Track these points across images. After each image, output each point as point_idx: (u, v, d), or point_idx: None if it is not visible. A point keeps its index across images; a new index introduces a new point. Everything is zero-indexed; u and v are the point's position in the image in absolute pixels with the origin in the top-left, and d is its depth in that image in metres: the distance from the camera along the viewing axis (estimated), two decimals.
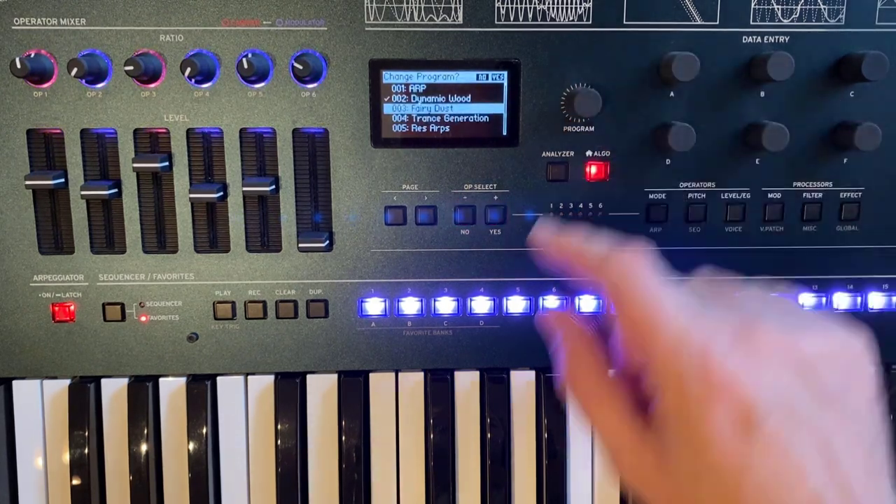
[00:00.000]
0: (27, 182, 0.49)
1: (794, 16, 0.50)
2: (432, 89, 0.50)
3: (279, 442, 0.55)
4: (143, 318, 0.53)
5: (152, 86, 0.49)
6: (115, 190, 0.51)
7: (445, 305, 0.54)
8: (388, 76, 0.50)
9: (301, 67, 0.48)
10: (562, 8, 0.49)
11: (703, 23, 0.50)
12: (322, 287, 0.53)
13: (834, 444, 0.34)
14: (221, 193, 0.51)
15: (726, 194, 0.52)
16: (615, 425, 0.40)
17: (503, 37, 0.49)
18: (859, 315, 0.55)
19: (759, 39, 0.50)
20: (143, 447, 0.54)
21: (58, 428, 0.55)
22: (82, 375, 0.55)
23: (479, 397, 0.56)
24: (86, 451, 0.54)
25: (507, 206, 0.52)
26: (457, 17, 0.49)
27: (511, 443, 0.56)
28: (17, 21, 0.48)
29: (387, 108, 0.50)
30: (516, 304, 0.54)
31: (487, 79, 0.50)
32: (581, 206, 0.52)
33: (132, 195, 0.51)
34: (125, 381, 0.55)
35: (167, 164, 0.50)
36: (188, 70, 0.47)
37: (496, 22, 0.49)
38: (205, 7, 0.48)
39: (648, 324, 0.36)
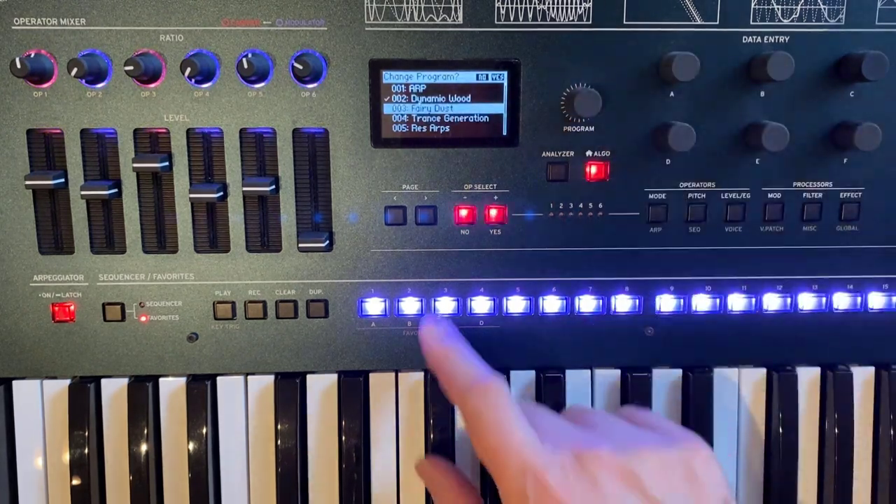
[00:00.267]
0: (27, 182, 0.49)
1: (794, 16, 0.50)
2: (432, 89, 0.50)
3: (279, 442, 0.55)
4: (143, 318, 0.53)
5: (152, 86, 0.49)
6: (115, 190, 0.51)
7: (446, 306, 0.54)
8: (388, 76, 0.50)
9: (301, 67, 0.48)
10: (562, 8, 0.49)
11: (703, 23, 0.50)
12: (322, 287, 0.53)
13: None
14: (221, 193, 0.51)
15: (726, 194, 0.52)
16: None
17: (503, 37, 0.50)
18: (859, 315, 0.55)
19: (759, 39, 0.50)
20: (143, 447, 0.54)
21: (58, 428, 0.55)
22: (82, 375, 0.55)
23: None
24: (86, 451, 0.54)
25: (507, 206, 0.52)
26: (457, 17, 0.49)
27: None
28: (17, 21, 0.48)
29: (387, 108, 0.50)
30: (516, 304, 0.54)
31: (487, 79, 0.50)
32: (581, 206, 0.52)
33: (132, 195, 0.51)
34: (125, 381, 0.55)
35: (167, 164, 0.50)
36: (188, 70, 0.47)
37: (496, 22, 0.49)
38: (205, 7, 0.48)
39: (498, 454, 0.41)
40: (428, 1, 0.49)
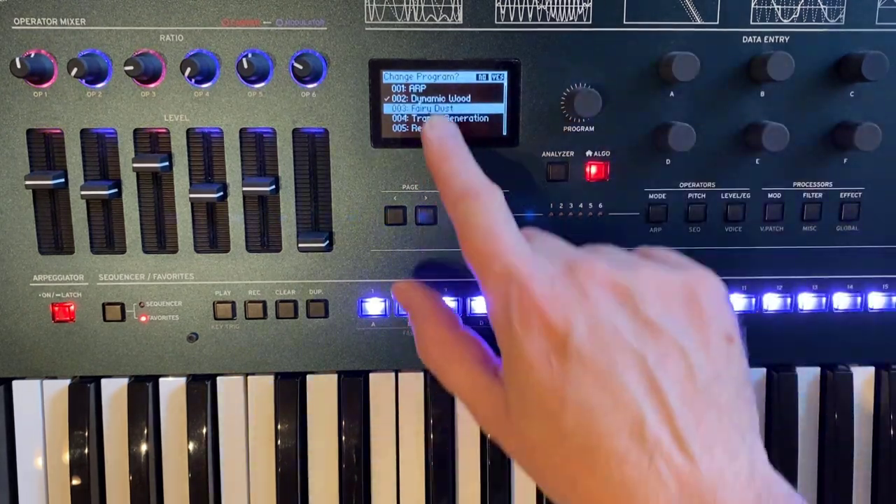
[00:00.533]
0: (27, 182, 0.49)
1: (794, 16, 0.50)
2: (432, 89, 0.50)
3: (279, 442, 0.55)
4: (143, 318, 0.53)
5: (152, 86, 0.49)
6: (115, 190, 0.51)
7: None
8: (388, 76, 0.50)
9: (301, 67, 0.48)
10: (562, 8, 0.49)
11: (703, 23, 0.50)
12: (322, 287, 0.53)
13: (657, 372, 0.35)
14: (221, 193, 0.51)
15: (726, 194, 0.52)
16: (465, 379, 0.42)
17: (503, 37, 0.49)
18: (859, 315, 0.55)
19: (759, 39, 0.50)
20: (143, 447, 0.54)
21: (58, 428, 0.55)
22: (82, 375, 0.55)
23: None
24: (86, 451, 0.54)
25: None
26: (457, 17, 0.49)
27: None
28: (17, 21, 0.48)
29: (387, 108, 0.50)
30: None
31: (487, 79, 0.50)
32: (581, 206, 0.52)
33: (132, 195, 0.51)
34: (125, 381, 0.55)
35: (167, 164, 0.50)
36: (188, 70, 0.47)
37: (496, 22, 0.49)
38: (205, 7, 0.48)
39: (484, 257, 0.39)
40: (428, 1, 0.49)
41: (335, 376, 0.55)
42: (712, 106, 0.51)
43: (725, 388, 0.36)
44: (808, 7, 0.50)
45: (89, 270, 0.52)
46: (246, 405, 0.55)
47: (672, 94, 0.50)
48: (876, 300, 0.55)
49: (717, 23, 0.50)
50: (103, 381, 0.55)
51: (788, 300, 0.54)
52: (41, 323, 0.52)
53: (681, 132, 0.49)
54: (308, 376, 0.55)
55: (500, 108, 0.50)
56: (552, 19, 0.49)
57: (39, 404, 0.55)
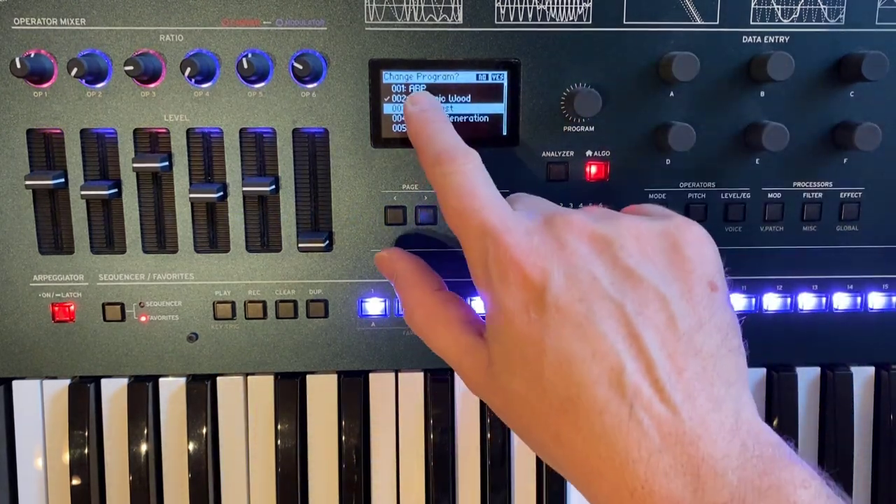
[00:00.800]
0: (27, 182, 0.49)
1: (794, 16, 0.50)
2: (432, 89, 0.50)
3: (279, 442, 0.55)
4: (143, 318, 0.53)
5: (152, 86, 0.49)
6: (115, 190, 0.51)
7: None
8: (388, 76, 0.50)
9: (301, 67, 0.48)
10: (562, 8, 0.49)
11: (703, 23, 0.50)
12: (322, 287, 0.53)
13: (636, 320, 0.34)
14: (221, 193, 0.51)
15: (726, 194, 0.52)
16: (449, 340, 0.42)
17: (503, 37, 0.49)
18: (859, 315, 0.55)
19: (759, 39, 0.50)
20: (143, 447, 0.54)
21: (58, 428, 0.55)
22: (82, 375, 0.55)
23: None
24: (86, 451, 0.54)
25: None
26: (457, 17, 0.49)
27: (512, 443, 0.56)
28: (16, 21, 0.48)
29: (387, 108, 0.50)
30: None
31: (487, 79, 0.50)
32: (581, 206, 0.52)
33: (132, 195, 0.51)
34: (125, 381, 0.55)
35: (167, 164, 0.50)
36: (188, 70, 0.47)
37: (496, 22, 0.49)
38: (205, 7, 0.48)
39: (462, 215, 0.39)
40: (428, 1, 0.49)
41: (335, 376, 0.55)
42: (712, 106, 0.51)
43: (709, 336, 0.35)
44: (808, 7, 0.50)
45: (89, 270, 0.52)
46: (246, 405, 0.55)
47: (672, 94, 0.50)
48: (876, 300, 0.55)
49: (717, 23, 0.50)
50: (103, 381, 0.55)
51: (788, 300, 0.54)
52: (41, 323, 0.52)
53: (681, 132, 0.49)
54: (308, 376, 0.55)
55: (500, 108, 0.50)
56: (552, 19, 0.49)
57: (39, 404, 0.55)
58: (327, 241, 0.52)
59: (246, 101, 0.50)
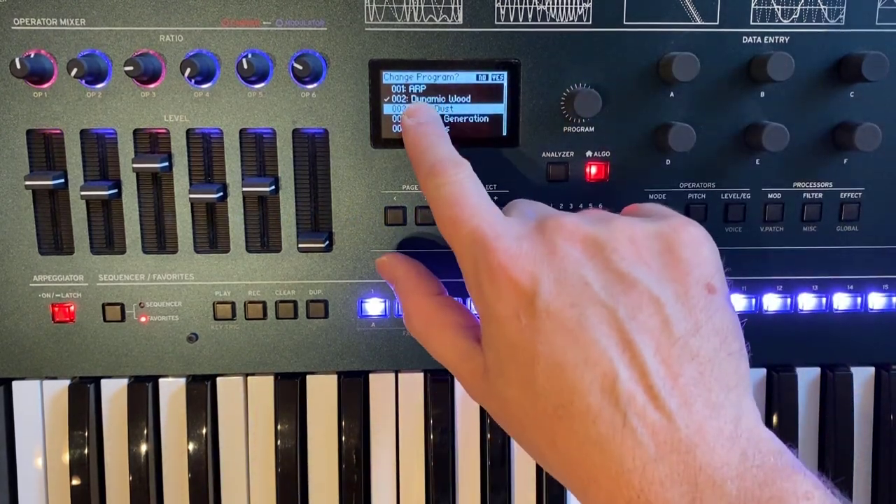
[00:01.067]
0: (27, 182, 0.49)
1: (794, 16, 0.50)
2: (432, 90, 0.50)
3: (279, 442, 0.55)
4: (143, 319, 0.53)
5: (152, 86, 0.49)
6: (115, 190, 0.51)
7: None
8: (388, 76, 0.50)
9: (301, 68, 0.48)
10: (562, 8, 0.49)
11: (703, 23, 0.50)
12: (322, 287, 0.53)
13: (628, 325, 0.33)
14: (221, 194, 0.51)
15: (726, 194, 0.52)
16: (447, 345, 0.42)
17: (503, 37, 0.49)
18: (859, 315, 0.55)
19: (759, 39, 0.50)
20: (143, 447, 0.54)
21: (58, 428, 0.55)
22: (82, 376, 0.55)
23: None
24: (86, 451, 0.54)
25: None
26: (457, 18, 0.49)
27: (512, 444, 0.56)
28: (16, 21, 0.48)
29: (387, 109, 0.50)
30: None
31: (487, 79, 0.50)
32: (581, 206, 0.52)
33: (132, 195, 0.51)
34: (125, 381, 0.55)
35: (167, 164, 0.50)
36: (188, 70, 0.47)
37: (496, 22, 0.49)
38: (205, 7, 0.48)
39: (453, 222, 0.39)
40: (428, 1, 0.49)
41: (335, 376, 0.55)
42: (712, 106, 0.51)
43: (706, 340, 0.34)
44: (808, 7, 0.50)
45: (89, 271, 0.52)
46: (246, 405, 0.55)
47: (672, 94, 0.50)
48: (876, 300, 0.55)
49: (717, 23, 0.50)
50: (103, 381, 0.55)
51: (788, 300, 0.54)
52: (41, 323, 0.52)
53: (681, 132, 0.49)
54: (308, 376, 0.55)
55: (500, 108, 0.50)
56: (552, 19, 0.49)
57: (39, 405, 0.55)
58: (327, 242, 0.52)
59: (246, 102, 0.50)
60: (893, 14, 0.50)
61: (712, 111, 0.51)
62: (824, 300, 0.55)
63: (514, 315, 0.35)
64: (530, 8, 0.49)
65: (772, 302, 0.54)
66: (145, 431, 0.54)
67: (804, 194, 0.53)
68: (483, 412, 0.56)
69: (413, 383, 0.55)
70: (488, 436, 0.56)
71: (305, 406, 0.55)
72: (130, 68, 0.47)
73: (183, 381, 0.55)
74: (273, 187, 0.51)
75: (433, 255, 0.52)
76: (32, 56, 0.48)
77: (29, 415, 0.55)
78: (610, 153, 0.51)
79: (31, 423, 0.55)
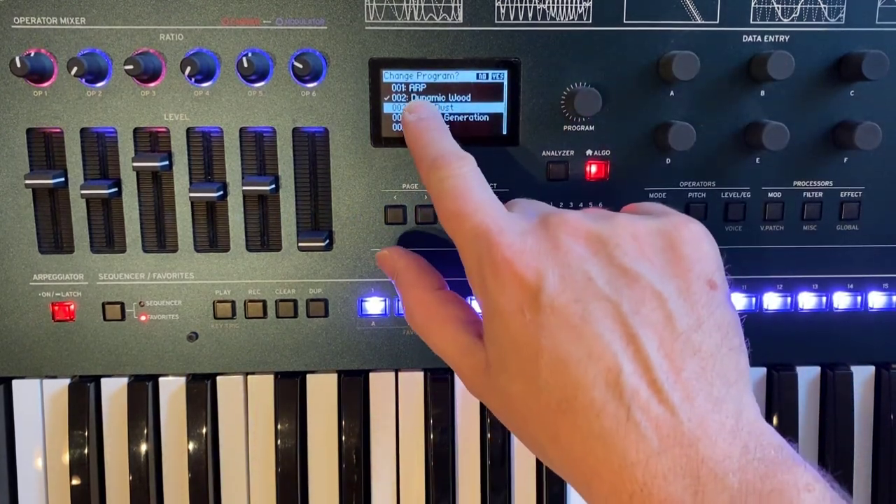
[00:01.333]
0: (27, 181, 0.49)
1: (794, 15, 0.50)
2: (432, 88, 0.50)
3: (279, 442, 0.55)
4: (143, 318, 0.53)
5: (152, 85, 0.49)
6: (115, 189, 0.51)
7: None
8: (389, 75, 0.50)
9: (301, 67, 0.48)
10: (562, 7, 0.49)
11: (703, 22, 0.50)
12: (322, 286, 0.53)
13: (632, 320, 0.34)
14: (221, 193, 0.51)
15: (726, 194, 0.52)
16: (448, 340, 0.42)
17: (503, 36, 0.49)
18: (859, 315, 0.55)
19: (759, 39, 0.50)
20: (143, 447, 0.54)
21: (58, 428, 0.55)
22: (82, 375, 0.55)
23: None
24: (86, 450, 0.54)
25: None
26: (457, 17, 0.49)
27: (512, 443, 0.56)
28: (16, 20, 0.48)
29: (387, 108, 0.50)
30: None
31: (487, 78, 0.50)
32: (581, 205, 0.52)
33: (132, 194, 0.51)
34: (125, 380, 0.55)
35: (167, 163, 0.50)
36: (188, 69, 0.47)
37: (496, 21, 0.49)
38: (205, 6, 0.48)
39: (456, 216, 0.39)
40: (428, 0, 0.49)
41: (335, 376, 0.55)
42: (712, 105, 0.51)
43: (708, 335, 0.34)
44: (808, 6, 0.50)
45: (89, 270, 0.52)
46: (246, 405, 0.55)
47: (672, 93, 0.50)
48: (876, 300, 0.55)
49: (718, 22, 0.50)
50: (103, 380, 0.55)
51: (788, 299, 0.54)
52: (41, 322, 0.52)
53: (681, 131, 0.49)
54: (308, 376, 0.55)
55: (500, 107, 0.50)
56: (552, 18, 0.49)
57: (39, 404, 0.55)
58: (327, 241, 0.52)
59: (246, 101, 0.50)
60: (893, 13, 0.50)
61: (712, 110, 0.51)
62: (824, 299, 0.55)
63: (518, 310, 0.35)
64: (530, 7, 0.49)
65: (772, 301, 0.54)
66: (145, 430, 0.54)
67: (804, 193, 0.53)
68: (483, 411, 0.56)
69: (413, 382, 0.55)
70: (488, 435, 0.56)
71: (305, 405, 0.55)
72: (130, 67, 0.47)
73: (183, 380, 0.55)
74: (273, 186, 0.51)
75: (434, 253, 0.52)
76: (32, 55, 0.48)
77: (29, 414, 0.55)
78: (610, 152, 0.51)
79: (30, 422, 0.55)
